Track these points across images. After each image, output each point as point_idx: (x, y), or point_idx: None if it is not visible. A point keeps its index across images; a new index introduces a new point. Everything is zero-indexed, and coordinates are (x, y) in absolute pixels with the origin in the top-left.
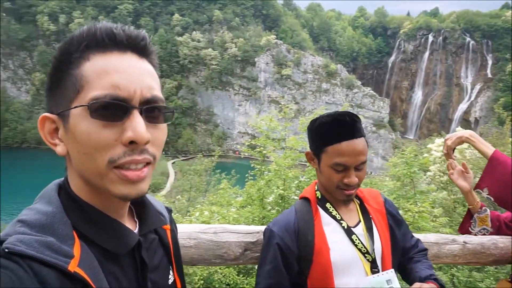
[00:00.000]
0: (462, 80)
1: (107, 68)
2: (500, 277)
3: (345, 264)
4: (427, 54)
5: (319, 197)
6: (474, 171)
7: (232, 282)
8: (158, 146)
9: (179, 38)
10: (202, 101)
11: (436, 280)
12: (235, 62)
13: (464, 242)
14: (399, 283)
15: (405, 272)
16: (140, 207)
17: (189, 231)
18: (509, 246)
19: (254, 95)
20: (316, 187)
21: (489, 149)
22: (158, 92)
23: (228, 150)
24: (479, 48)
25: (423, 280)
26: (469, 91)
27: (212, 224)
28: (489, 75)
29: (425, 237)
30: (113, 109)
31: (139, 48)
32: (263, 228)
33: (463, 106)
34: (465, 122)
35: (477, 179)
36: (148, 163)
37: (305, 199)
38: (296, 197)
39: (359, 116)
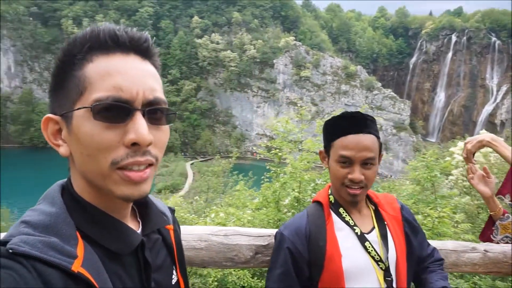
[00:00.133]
0: (487, 81)
1: (110, 70)
2: None
3: (357, 271)
4: (450, 54)
5: (332, 201)
6: (500, 176)
7: (246, 284)
8: (160, 147)
9: (198, 40)
10: (221, 102)
11: None
12: (254, 63)
13: (485, 250)
14: None
15: (419, 282)
16: (143, 207)
17: (199, 233)
18: None
19: (273, 96)
20: (329, 191)
21: None
22: (160, 94)
23: (246, 152)
24: (505, 48)
25: None
26: (494, 92)
27: (223, 227)
28: None
29: (443, 244)
30: (115, 111)
31: (142, 50)
32: (274, 231)
33: (488, 108)
34: (491, 125)
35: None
36: (150, 165)
37: (318, 203)
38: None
39: (379, 118)
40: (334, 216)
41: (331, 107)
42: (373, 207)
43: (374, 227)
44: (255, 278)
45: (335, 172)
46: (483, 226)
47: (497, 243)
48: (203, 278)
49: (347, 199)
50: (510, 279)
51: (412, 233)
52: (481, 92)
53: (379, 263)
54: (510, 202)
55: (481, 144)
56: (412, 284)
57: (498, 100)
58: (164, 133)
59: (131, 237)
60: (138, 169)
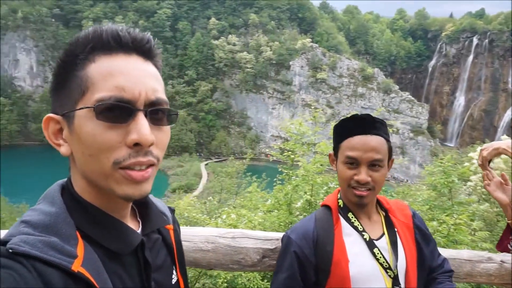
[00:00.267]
0: (510, 85)
1: (112, 70)
2: None
3: (365, 278)
4: (471, 57)
5: (341, 205)
6: None
7: (256, 287)
8: (161, 148)
9: (215, 42)
10: (236, 103)
11: None
12: (270, 65)
13: (501, 261)
14: None
15: None
16: (142, 207)
17: (207, 235)
18: None
19: (288, 98)
20: (338, 195)
21: None
22: (162, 95)
23: (260, 153)
24: None
25: None
26: None
27: (231, 229)
28: None
29: (457, 253)
30: (118, 111)
31: (144, 51)
32: (282, 235)
33: (510, 113)
34: None
35: None
36: (151, 164)
37: (327, 207)
38: None
39: (396, 121)
40: (342, 221)
41: (347, 110)
42: (384, 213)
43: (383, 234)
44: (265, 280)
45: (342, 173)
46: (501, 234)
47: None
48: (214, 279)
49: (353, 200)
50: None
51: (424, 241)
52: (503, 96)
53: (388, 270)
54: None
55: (497, 152)
56: None
57: None
58: (165, 134)
59: (131, 237)
60: (140, 168)
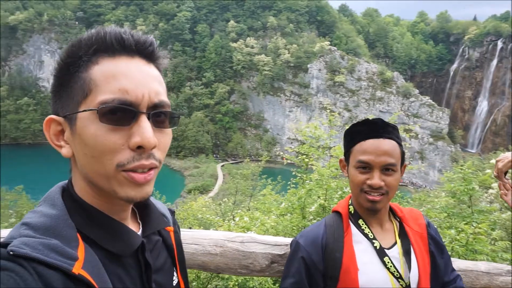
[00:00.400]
0: None
1: (116, 73)
2: None
3: None
4: (495, 61)
5: (352, 211)
6: None
7: None
8: (163, 150)
9: (234, 44)
10: (253, 106)
11: None
12: (288, 68)
13: None
14: None
15: None
16: (143, 209)
17: (215, 238)
18: None
19: (306, 101)
20: (350, 201)
21: None
22: (164, 97)
23: (276, 156)
24: None
25: None
26: None
27: (240, 233)
28: None
29: (475, 265)
30: (121, 114)
31: (147, 53)
32: (291, 240)
33: None
34: None
35: None
36: (153, 167)
37: (337, 213)
38: None
39: (415, 126)
40: (353, 228)
41: (365, 113)
42: (397, 222)
43: (395, 243)
44: (277, 285)
45: (354, 178)
46: None
47: None
48: (225, 281)
49: (366, 206)
50: None
51: (438, 253)
52: None
53: (399, 280)
54: None
55: None
56: None
57: None
58: (167, 136)
59: (131, 238)
60: (142, 171)
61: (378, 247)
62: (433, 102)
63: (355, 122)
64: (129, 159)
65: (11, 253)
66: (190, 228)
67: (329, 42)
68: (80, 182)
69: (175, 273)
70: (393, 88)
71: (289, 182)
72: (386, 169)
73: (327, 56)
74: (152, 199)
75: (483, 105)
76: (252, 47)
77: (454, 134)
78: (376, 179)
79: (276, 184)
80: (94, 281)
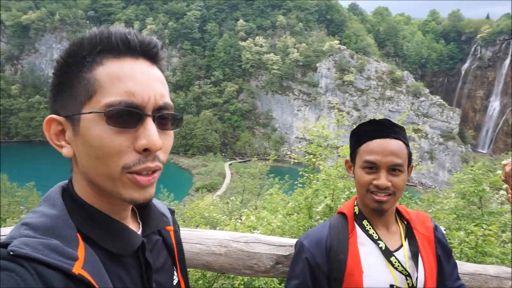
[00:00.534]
0: None
1: (121, 74)
2: None
3: None
4: (508, 60)
5: (357, 212)
6: None
7: None
8: (166, 152)
9: (242, 43)
10: (262, 105)
11: None
12: (297, 67)
13: None
14: None
15: None
16: (143, 208)
17: (220, 238)
18: None
19: (314, 100)
20: (355, 202)
21: None
22: (168, 99)
23: (284, 155)
24: None
25: None
26: None
27: (244, 233)
28: None
29: (483, 269)
30: (127, 116)
31: (151, 55)
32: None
33: None
34: None
35: None
36: (158, 169)
37: (342, 214)
38: None
39: (425, 126)
40: (358, 230)
41: (374, 113)
42: (404, 225)
43: (401, 246)
44: (283, 285)
45: (360, 178)
46: None
47: None
48: (231, 280)
49: (372, 206)
50: None
51: (444, 257)
52: None
53: (407, 278)
54: None
55: None
56: None
57: None
58: (170, 138)
59: (132, 238)
60: (147, 173)
61: (383, 248)
62: (443, 102)
63: (363, 121)
64: (135, 161)
65: (11, 253)
66: (197, 226)
67: (338, 41)
68: (80, 182)
69: (175, 273)
70: (403, 88)
71: (296, 182)
72: (393, 169)
73: (336, 55)
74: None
75: (495, 105)
76: (261, 46)
77: (465, 134)
78: (382, 179)
79: (283, 184)
80: (94, 281)
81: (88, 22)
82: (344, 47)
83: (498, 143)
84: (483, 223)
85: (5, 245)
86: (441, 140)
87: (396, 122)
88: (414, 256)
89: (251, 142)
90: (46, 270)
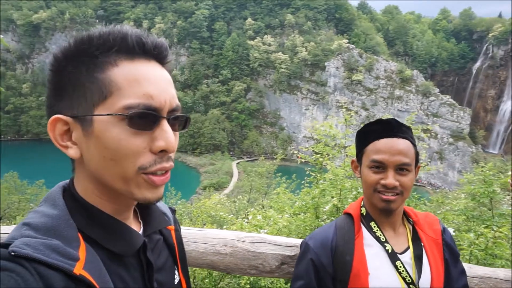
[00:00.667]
0: None
1: (138, 77)
2: None
3: None
4: None
5: (364, 213)
6: None
7: None
8: (174, 152)
9: (251, 42)
10: (270, 104)
11: None
12: (305, 66)
13: None
14: None
15: None
16: (144, 208)
17: (225, 238)
18: None
19: (322, 99)
20: (362, 203)
21: None
22: (178, 101)
23: (292, 154)
24: None
25: None
26: None
27: (250, 233)
28: None
29: (493, 272)
30: (145, 118)
31: (162, 57)
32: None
33: None
34: None
35: None
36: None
37: (348, 215)
38: None
39: (435, 125)
40: (364, 231)
41: (382, 112)
42: (410, 227)
43: (408, 248)
44: (288, 284)
45: (367, 178)
46: None
47: None
48: (237, 279)
49: (380, 206)
50: None
51: (453, 261)
52: None
53: (411, 286)
54: None
55: None
56: None
57: None
58: (177, 138)
59: (133, 238)
60: (161, 173)
61: (390, 251)
62: (454, 102)
63: (371, 120)
64: (151, 162)
65: (12, 253)
66: (204, 225)
67: (347, 40)
68: (84, 182)
69: (176, 272)
70: (412, 87)
71: (303, 181)
72: (401, 169)
73: (345, 54)
74: None
75: (507, 105)
76: (269, 44)
77: (476, 134)
78: (390, 178)
79: (290, 183)
80: (95, 282)
81: (97, 21)
82: (353, 46)
83: (510, 144)
84: (494, 225)
85: (6, 245)
86: (451, 140)
87: (405, 122)
88: (419, 259)
89: (259, 141)
90: (47, 270)
